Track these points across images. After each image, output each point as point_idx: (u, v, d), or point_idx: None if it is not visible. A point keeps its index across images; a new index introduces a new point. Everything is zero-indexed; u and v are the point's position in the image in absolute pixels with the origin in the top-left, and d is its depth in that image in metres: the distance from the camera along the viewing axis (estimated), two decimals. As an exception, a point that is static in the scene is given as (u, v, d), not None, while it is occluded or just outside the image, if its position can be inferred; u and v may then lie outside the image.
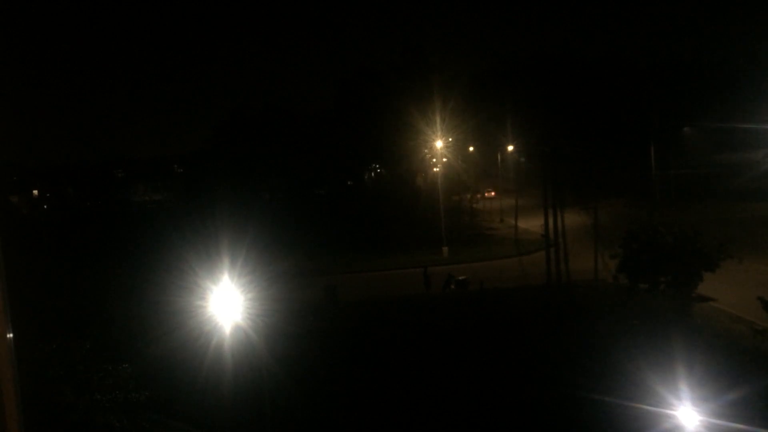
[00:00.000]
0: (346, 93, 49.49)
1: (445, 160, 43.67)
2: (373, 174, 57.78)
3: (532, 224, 35.36)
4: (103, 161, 78.84)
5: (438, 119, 37.14)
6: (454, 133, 40.28)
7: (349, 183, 53.92)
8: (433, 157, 44.28)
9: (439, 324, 18.74)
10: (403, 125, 40.88)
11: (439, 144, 38.24)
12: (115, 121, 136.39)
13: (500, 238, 35.60)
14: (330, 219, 40.90)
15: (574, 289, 20.91)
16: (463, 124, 39.87)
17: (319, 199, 49.96)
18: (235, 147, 48.35)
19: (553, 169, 22.43)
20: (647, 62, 49.98)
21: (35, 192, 67.18)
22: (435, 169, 49.68)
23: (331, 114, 51.04)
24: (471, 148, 48.10)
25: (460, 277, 23.65)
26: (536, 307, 19.82)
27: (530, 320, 18.23)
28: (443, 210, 34.13)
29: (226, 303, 10.93)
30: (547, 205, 22.57)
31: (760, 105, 38.59)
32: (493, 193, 50.13)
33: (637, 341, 14.63)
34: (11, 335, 2.58)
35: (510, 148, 41.84)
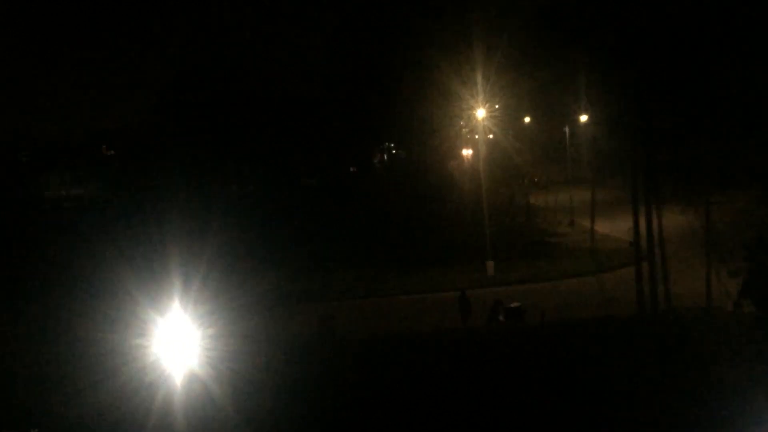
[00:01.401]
0: (347, 41, 49.47)
1: (490, 136, 43.41)
2: (385, 157, 57.66)
3: (615, 227, 35.23)
4: (-1, 142, 79.02)
5: (479, 78, 37.01)
6: (503, 99, 40.10)
7: (351, 170, 53.87)
8: (472, 132, 44.14)
9: (480, 374, 18.68)
10: (429, 87, 40.72)
11: (480, 113, 37.96)
12: (16, 86, 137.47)
13: (570, 248, 35.48)
14: (325, 221, 40.85)
15: (678, 321, 20.80)
16: (515, 85, 39.67)
17: (309, 193, 49.93)
18: (190, 120, 48.39)
19: (648, 150, 22.25)
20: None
21: None
22: (469, 152, 49.34)
23: (326, 73, 51.02)
24: (527, 119, 47.75)
25: (513, 305, 23.54)
26: (623, 347, 19.71)
27: (615, 368, 18.12)
28: (487, 208, 33.92)
29: (177, 342, 10.96)
30: (637, 200, 22.37)
31: None
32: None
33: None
34: None
35: (583, 119, 41.55)
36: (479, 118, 38.63)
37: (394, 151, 56.80)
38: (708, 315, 21.68)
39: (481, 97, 38.26)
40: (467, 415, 16.34)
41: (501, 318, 23.16)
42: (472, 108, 38.62)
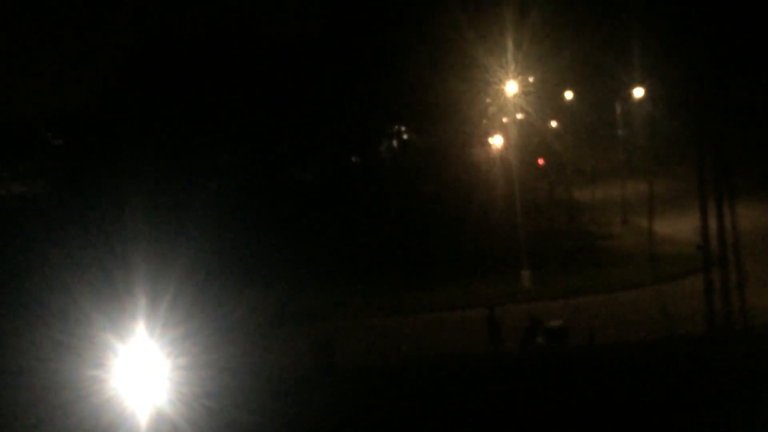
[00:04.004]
0: (347, 4, 49.43)
1: (521, 116, 42.79)
2: (395, 143, 57.42)
3: (679, 227, 34.96)
4: None
5: (509, 44, 36.75)
6: (539, 71, 39.80)
7: (353, 160, 53.56)
8: (501, 112, 43.78)
9: (514, 412, 18.58)
10: (448, 55, 40.46)
11: (511, 88, 37.50)
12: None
13: (623, 253, 35.27)
14: (323, 224, 40.68)
15: (759, 342, 20.59)
16: (555, 53, 39.37)
17: (303, 189, 49.70)
18: (154, 102, 48.31)
19: (722, 130, 21.98)
20: None
21: None
22: (498, 138, 48.86)
23: (321, 40, 50.92)
24: (568, 96, 47.20)
25: (553, 323, 23.35)
26: (689, 375, 19.60)
27: (679, 401, 18.03)
28: (522, 205, 33.62)
29: (142, 374, 10.90)
30: (706, 193, 22.05)
31: None
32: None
33: None
34: None
35: (638, 94, 41.11)
36: (510, 95, 38.03)
37: (405, 137, 56.61)
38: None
39: (512, 68, 37.84)
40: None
41: (539, 339, 23.07)
42: (501, 82, 38.08)
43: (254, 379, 18.25)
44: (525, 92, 40.36)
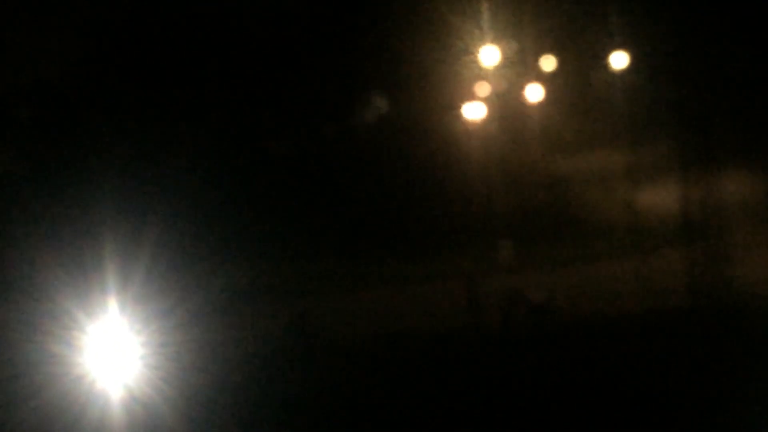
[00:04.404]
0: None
1: (499, 85, 42.55)
2: (369, 115, 57.10)
3: (662, 196, 34.84)
4: None
5: (485, 8, 36.54)
6: (517, 39, 39.54)
7: (327, 131, 53.24)
8: (478, 78, 43.49)
9: (495, 388, 18.64)
10: (421, 20, 40.13)
11: (488, 56, 37.36)
12: None
13: (606, 225, 35.09)
14: (296, 195, 40.47)
15: (743, 315, 20.66)
16: (532, 19, 39.12)
17: (277, 161, 49.32)
18: (124, 74, 47.87)
19: (704, 100, 22.03)
20: None
21: None
22: (474, 107, 48.64)
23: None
24: (549, 65, 47.08)
25: (535, 296, 23.35)
26: (674, 348, 19.66)
27: (661, 375, 18.11)
28: (498, 173, 33.49)
29: (112, 354, 10.92)
30: (689, 161, 22.07)
31: None
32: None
33: None
34: None
35: (619, 63, 40.88)
36: (485, 67, 37.80)
37: (378, 108, 56.31)
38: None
39: (489, 33, 37.53)
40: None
41: (521, 312, 23.06)
42: (476, 49, 37.70)
43: (227, 357, 18.29)
44: (506, 63, 40.20)
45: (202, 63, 46.19)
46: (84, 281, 12.96)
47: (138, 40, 46.87)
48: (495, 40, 38.17)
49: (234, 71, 47.35)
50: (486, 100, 45.73)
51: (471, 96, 48.66)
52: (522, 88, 45.88)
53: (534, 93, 48.04)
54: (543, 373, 18.87)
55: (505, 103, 45.62)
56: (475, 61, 40.99)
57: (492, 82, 41.93)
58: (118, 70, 46.21)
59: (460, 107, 50.60)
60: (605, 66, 46.62)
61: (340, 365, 20.52)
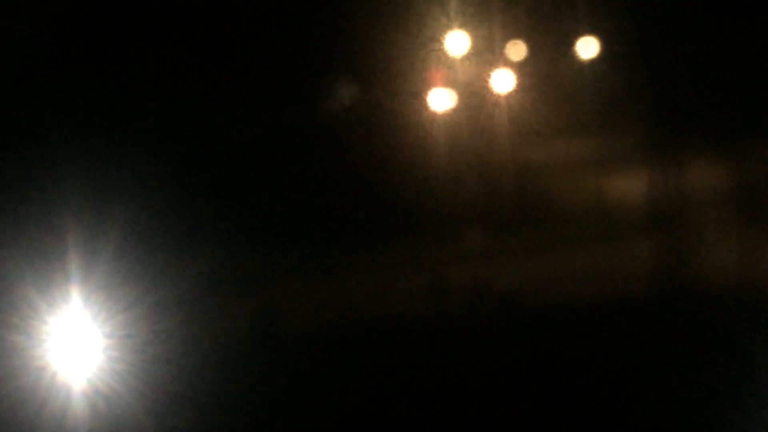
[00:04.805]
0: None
1: (470, 73, 42.85)
2: (333, 103, 57.24)
3: (632, 186, 35.43)
4: None
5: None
6: (485, 27, 39.73)
7: (290, 119, 53.50)
8: (444, 68, 43.77)
9: (461, 379, 18.91)
10: (382, 6, 40.27)
11: (455, 44, 37.49)
12: None
13: (575, 213, 35.60)
14: (259, 184, 40.66)
15: (709, 304, 21.10)
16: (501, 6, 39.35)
17: (240, 150, 49.56)
18: (80, 59, 47.72)
19: (674, 88, 22.37)
20: None
21: None
22: (440, 95, 48.95)
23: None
24: (517, 53, 47.52)
25: (502, 284, 23.62)
26: (641, 338, 20.03)
27: (626, 364, 18.45)
28: (465, 161, 33.74)
29: (73, 346, 10.98)
30: (654, 149, 22.48)
31: None
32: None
33: None
34: None
35: (592, 48, 41.34)
36: (451, 54, 37.73)
37: (343, 93, 56.59)
38: (744, 294, 21.99)
39: (456, 21, 37.59)
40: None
41: (488, 301, 23.31)
42: (442, 36, 37.62)
43: (191, 348, 18.36)
44: (471, 47, 40.35)
45: (163, 51, 46.18)
46: (45, 271, 12.97)
47: (96, 28, 46.78)
48: (462, 27, 38.33)
49: (194, 59, 47.29)
50: (452, 87, 46.01)
51: (437, 83, 49.06)
52: (489, 75, 46.27)
53: (501, 81, 48.53)
54: (511, 363, 19.16)
55: (472, 91, 45.96)
56: (442, 49, 41.21)
57: (459, 70, 42.13)
58: (76, 59, 46.06)
59: (426, 95, 51.02)
60: (574, 54, 47.18)
61: (305, 355, 20.69)
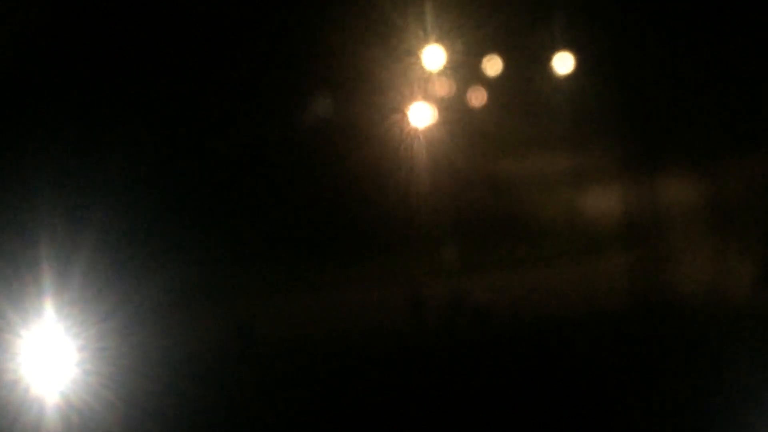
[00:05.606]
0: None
1: (447, 87, 42.74)
2: (309, 116, 56.94)
3: (608, 201, 35.28)
4: None
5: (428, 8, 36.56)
6: (461, 41, 39.58)
7: (268, 131, 53.06)
8: (420, 82, 43.55)
9: (435, 394, 18.74)
10: (360, 19, 40.02)
11: (431, 58, 37.43)
12: None
13: (551, 228, 35.35)
14: (237, 196, 40.35)
15: (678, 316, 21.05)
16: (477, 20, 39.17)
17: (217, 162, 49.07)
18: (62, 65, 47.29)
19: (649, 103, 22.38)
20: None
21: None
22: (417, 112, 48.70)
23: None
24: (493, 67, 47.34)
25: (479, 298, 23.52)
26: (615, 352, 19.95)
27: (600, 378, 18.35)
28: (442, 175, 33.56)
29: (47, 357, 10.86)
30: (630, 165, 22.50)
31: None
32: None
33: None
34: None
35: (568, 63, 41.24)
36: (429, 65, 37.70)
37: (318, 108, 56.16)
38: (717, 307, 21.98)
39: (431, 34, 37.40)
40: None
41: (465, 316, 23.19)
42: (420, 49, 37.54)
43: (167, 361, 18.22)
44: (448, 61, 40.26)
45: (140, 60, 45.82)
46: (18, 283, 12.83)
47: (70, 34, 46.36)
48: (438, 42, 38.27)
49: (171, 70, 46.86)
50: (429, 101, 45.86)
51: (414, 97, 48.81)
52: (466, 90, 46.13)
53: (478, 95, 48.36)
54: (487, 377, 19.05)
55: (449, 105, 45.80)
56: (418, 63, 41.09)
57: (435, 84, 42.04)
58: (50, 65, 45.65)
59: (402, 109, 50.74)
60: (550, 69, 47.07)
61: (282, 368, 20.57)
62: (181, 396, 16.69)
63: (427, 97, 48.22)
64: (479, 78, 48.67)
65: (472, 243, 32.68)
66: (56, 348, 11.34)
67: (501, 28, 41.73)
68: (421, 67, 41.04)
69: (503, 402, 17.61)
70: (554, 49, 42.83)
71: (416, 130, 49.93)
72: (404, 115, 52.37)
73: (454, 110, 46.54)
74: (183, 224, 33.67)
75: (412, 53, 39.39)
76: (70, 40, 43.28)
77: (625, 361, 19.30)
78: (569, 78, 47.16)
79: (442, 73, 40.62)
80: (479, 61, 47.84)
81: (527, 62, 48.01)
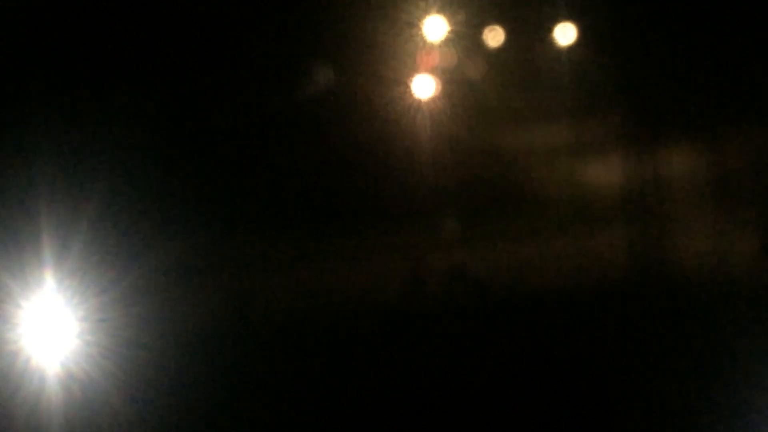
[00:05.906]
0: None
1: (448, 58, 42.49)
2: (310, 88, 56.63)
3: (608, 174, 35.18)
4: None
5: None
6: (462, 12, 39.27)
7: (269, 104, 52.80)
8: (421, 53, 43.29)
9: (433, 368, 18.75)
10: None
11: (433, 29, 37.17)
12: None
13: (551, 200, 35.27)
14: (236, 169, 40.30)
15: (677, 287, 21.04)
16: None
17: (217, 135, 48.95)
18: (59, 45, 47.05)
19: (649, 75, 22.31)
20: None
21: None
22: (420, 82, 48.47)
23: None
24: (495, 38, 47.03)
25: (478, 271, 23.52)
26: (614, 326, 19.96)
27: (598, 351, 18.36)
28: (442, 147, 33.46)
29: (48, 328, 10.89)
30: (629, 136, 22.44)
31: None
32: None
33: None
34: None
35: (570, 34, 40.91)
36: (427, 39, 37.40)
37: (323, 79, 55.92)
38: (717, 278, 22.00)
39: (433, 6, 37.09)
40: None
41: (463, 289, 23.21)
42: (420, 19, 37.19)
43: (166, 334, 18.25)
44: (453, 33, 39.93)
45: (140, 36, 45.59)
46: (19, 255, 12.85)
47: (70, 19, 46.11)
48: (440, 12, 37.99)
49: (172, 44, 46.69)
50: (430, 72, 45.62)
51: (415, 68, 48.57)
52: (467, 61, 45.87)
53: (479, 66, 48.08)
54: (486, 350, 19.07)
55: (450, 76, 45.56)
56: (420, 34, 40.81)
57: (436, 55, 41.77)
58: (49, 51, 45.42)
59: (404, 80, 50.49)
60: (552, 39, 46.80)
61: (281, 340, 20.59)
62: (181, 367, 16.74)
63: (428, 68, 47.97)
64: (481, 49, 48.38)
65: (472, 215, 32.65)
66: (57, 319, 11.36)
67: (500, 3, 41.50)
68: (423, 38, 40.81)
69: (502, 374, 17.66)
70: (556, 20, 42.63)
71: (417, 101, 49.74)
72: (406, 86, 52.15)
73: (455, 81, 46.30)
74: (183, 197, 33.65)
75: (414, 24, 39.16)
76: (69, 26, 43.08)
77: (625, 334, 19.32)
78: (571, 49, 46.93)
79: (443, 44, 40.40)
80: (481, 32, 47.55)
81: (529, 33, 47.73)
